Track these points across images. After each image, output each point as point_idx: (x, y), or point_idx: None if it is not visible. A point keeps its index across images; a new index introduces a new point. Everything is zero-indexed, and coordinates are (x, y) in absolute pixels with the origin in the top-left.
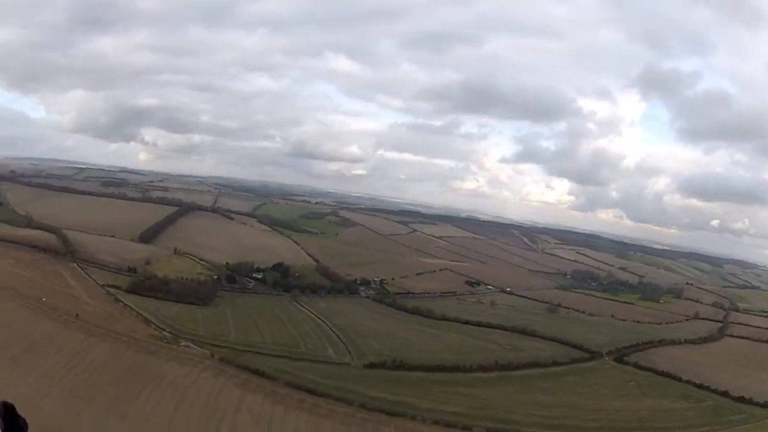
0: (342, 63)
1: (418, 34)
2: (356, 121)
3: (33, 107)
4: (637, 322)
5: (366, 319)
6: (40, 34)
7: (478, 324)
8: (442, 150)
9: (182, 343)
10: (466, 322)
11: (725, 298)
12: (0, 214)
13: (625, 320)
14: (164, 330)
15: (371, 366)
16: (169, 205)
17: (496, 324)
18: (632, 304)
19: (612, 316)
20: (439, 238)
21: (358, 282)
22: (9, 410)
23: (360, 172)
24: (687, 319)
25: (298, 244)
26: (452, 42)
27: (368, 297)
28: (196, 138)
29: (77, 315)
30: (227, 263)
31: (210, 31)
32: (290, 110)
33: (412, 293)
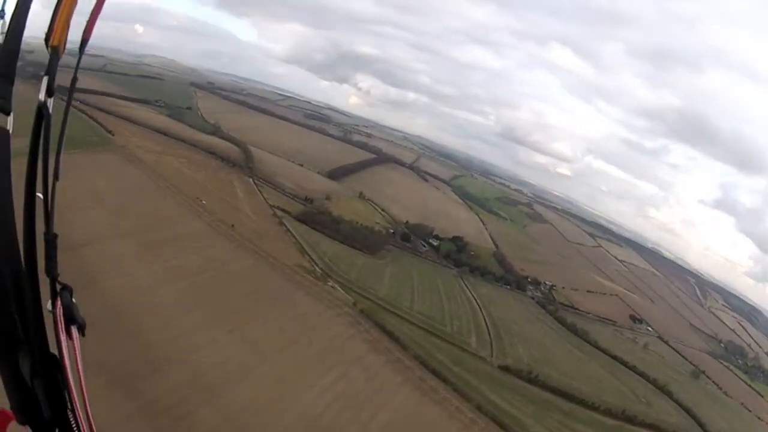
0: (568, 58)
1: (644, 44)
2: (572, 120)
3: (244, 30)
4: (759, 418)
5: (522, 320)
6: None
7: (624, 364)
8: (646, 173)
9: (329, 283)
10: (614, 358)
11: None
12: (186, 118)
13: (750, 411)
14: (317, 264)
15: (505, 369)
16: (367, 151)
17: (641, 370)
18: (762, 396)
19: (742, 403)
20: (621, 261)
21: (529, 280)
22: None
23: (564, 172)
24: None
25: (483, 224)
26: (674, 62)
27: (533, 298)
28: (411, 96)
29: (233, 225)
30: (407, 221)
31: None
32: (507, 92)
33: (576, 309)
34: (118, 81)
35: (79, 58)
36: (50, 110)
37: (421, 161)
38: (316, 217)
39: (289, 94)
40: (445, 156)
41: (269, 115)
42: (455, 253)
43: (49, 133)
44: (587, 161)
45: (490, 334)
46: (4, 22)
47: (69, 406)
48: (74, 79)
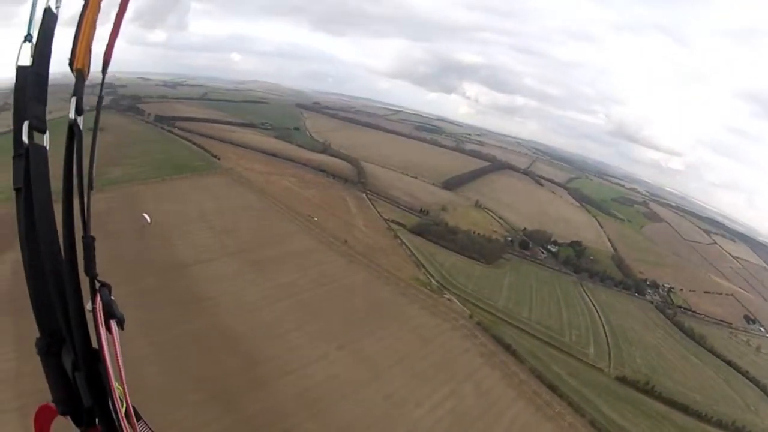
0: (667, 45)
1: (734, 23)
2: (680, 111)
3: (343, 49)
4: None
5: (641, 326)
6: None
7: (737, 369)
8: (753, 161)
9: (445, 295)
10: (728, 363)
11: None
12: (295, 138)
13: None
14: (432, 277)
15: (622, 380)
16: (481, 159)
17: (752, 375)
18: None
19: None
20: (735, 258)
21: (648, 283)
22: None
23: (676, 166)
24: None
25: (601, 227)
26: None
27: (652, 302)
28: (520, 100)
29: (346, 241)
30: (525, 228)
31: None
32: (614, 87)
33: (694, 312)
34: (220, 108)
35: (103, 79)
36: (81, 127)
37: (536, 165)
38: (431, 229)
39: (398, 108)
40: (559, 159)
41: (380, 130)
42: (574, 259)
43: (82, 148)
44: (696, 153)
45: (608, 343)
46: (32, 46)
47: (109, 396)
48: (100, 98)
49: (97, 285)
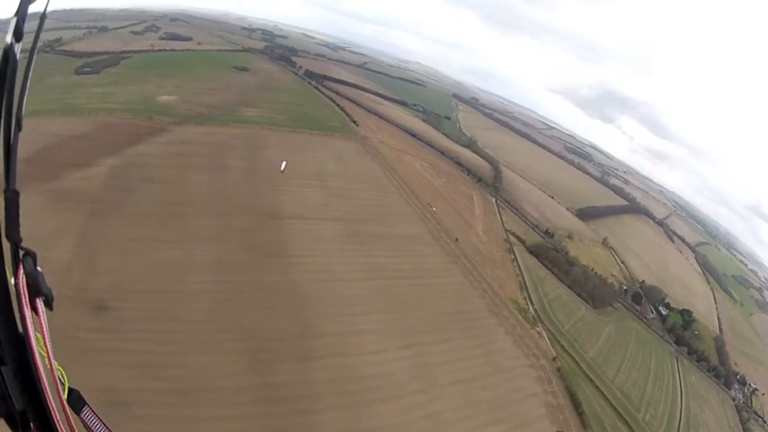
0: None
1: None
2: None
3: (512, 53)
4: None
5: (715, 424)
6: None
7: None
8: None
9: (537, 327)
10: None
11: None
12: (442, 126)
13: None
14: (532, 304)
15: None
16: (621, 197)
17: None
18: None
19: None
20: None
21: (738, 377)
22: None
23: None
24: None
25: (715, 303)
26: None
27: (734, 399)
28: (672, 148)
29: (457, 239)
30: (643, 281)
31: None
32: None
33: (765, 423)
34: (376, 79)
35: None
36: (17, 55)
37: (672, 219)
38: (549, 253)
39: (553, 125)
40: (694, 218)
41: (530, 141)
42: (679, 328)
43: (15, 80)
44: None
45: None
46: None
47: (41, 395)
48: (43, 16)
49: (21, 254)
